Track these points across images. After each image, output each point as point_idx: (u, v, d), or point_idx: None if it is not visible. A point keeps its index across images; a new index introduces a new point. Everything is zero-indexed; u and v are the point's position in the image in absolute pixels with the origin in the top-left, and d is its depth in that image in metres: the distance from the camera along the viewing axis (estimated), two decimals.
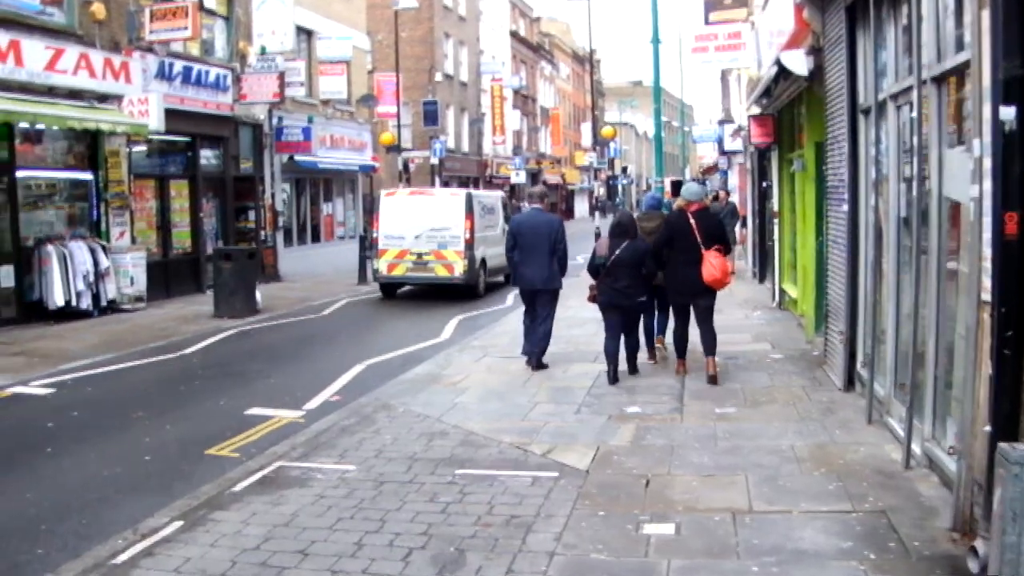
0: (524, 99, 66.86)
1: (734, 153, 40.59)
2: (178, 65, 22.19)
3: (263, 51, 25.00)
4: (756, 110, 18.41)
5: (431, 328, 17.20)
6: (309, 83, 29.11)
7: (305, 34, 29.33)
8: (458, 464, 8.02)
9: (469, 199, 22.52)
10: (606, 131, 37.17)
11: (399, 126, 36.47)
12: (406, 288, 23.49)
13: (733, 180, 40.65)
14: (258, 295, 19.79)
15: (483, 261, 22.65)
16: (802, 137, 15.52)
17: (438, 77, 48.90)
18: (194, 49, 23.36)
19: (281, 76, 24.58)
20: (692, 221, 11.34)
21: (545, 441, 8.70)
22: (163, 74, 21.59)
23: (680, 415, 9.69)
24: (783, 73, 13.10)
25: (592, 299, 11.89)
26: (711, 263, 11.14)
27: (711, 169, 53.94)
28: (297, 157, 27.55)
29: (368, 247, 25.08)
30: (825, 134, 11.75)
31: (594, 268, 11.64)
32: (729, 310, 17.56)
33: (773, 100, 16.36)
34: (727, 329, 15.07)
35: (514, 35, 65.44)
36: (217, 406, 11.02)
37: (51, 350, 15.00)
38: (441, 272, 21.93)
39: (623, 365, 11.75)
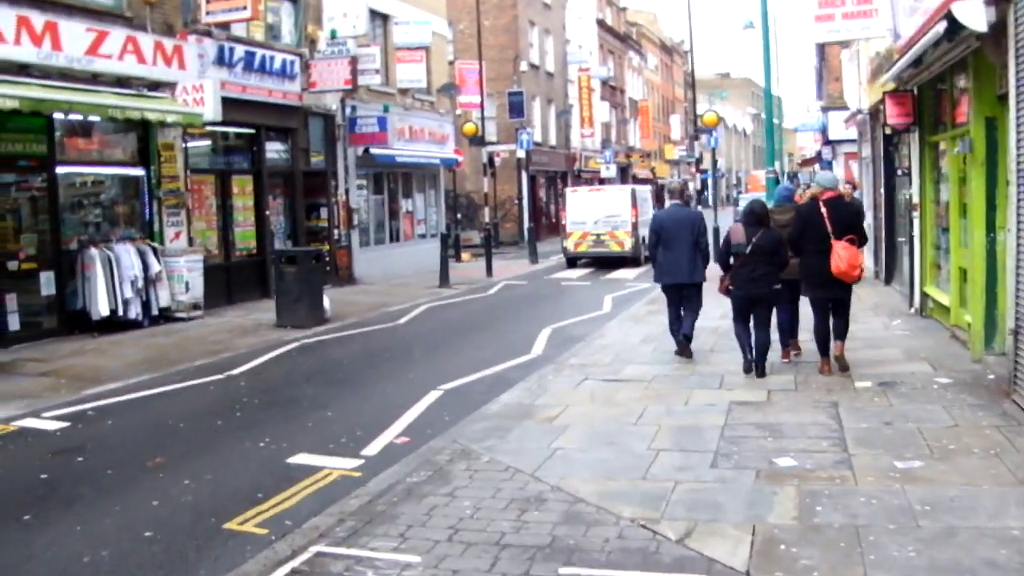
0: (612, 90, 64.33)
1: (839, 142, 38.06)
2: (239, 50, 20.23)
3: (333, 35, 22.96)
4: (890, 87, 15.92)
5: (519, 341, 14.95)
6: (385, 71, 26.98)
7: (380, 19, 27.31)
8: (563, 556, 5.75)
9: (633, 193, 30.17)
10: (708, 117, 34.45)
11: (483, 117, 34.33)
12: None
13: (838, 171, 37.95)
14: (326, 302, 17.72)
15: (643, 239, 26.76)
16: (957, 113, 13.07)
17: (523, 67, 46.60)
18: (258, 33, 21.43)
19: (353, 61, 22.53)
20: (824, 210, 10.77)
21: (679, 516, 6.37)
22: (223, 60, 19.66)
23: (850, 471, 7.29)
24: (950, 34, 10.63)
25: (724, 291, 11.39)
26: (839, 254, 10.54)
27: (810, 161, 51.09)
28: (373, 150, 25.40)
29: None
30: (1015, 104, 9.28)
31: (725, 258, 11.34)
32: (863, 317, 15.26)
33: (920, 71, 13.86)
34: (869, 343, 12.83)
35: (601, 24, 62.88)
36: (255, 450, 8.86)
37: (84, 369, 13.07)
38: (614, 247, 29.10)
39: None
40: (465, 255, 34.27)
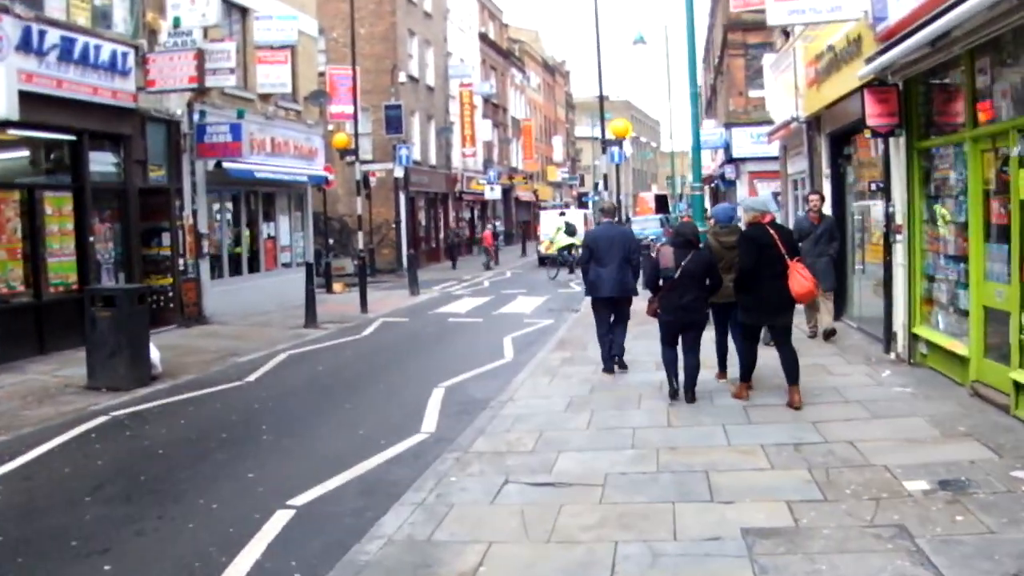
0: (494, 108, 61.01)
1: (744, 160, 35.83)
2: (53, 34, 16.11)
3: (177, 23, 18.99)
4: (864, 81, 12.88)
5: (404, 409, 11.33)
6: (244, 73, 23.02)
7: (239, 12, 23.47)
8: None
9: (585, 215, 44.36)
10: (618, 127, 31.38)
11: (356, 129, 30.60)
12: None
13: (742, 191, 35.41)
14: (154, 353, 13.83)
15: None
16: (980, 108, 10.12)
17: (402, 78, 42.88)
18: (81, 16, 17.34)
19: (200, 55, 18.59)
20: (772, 232, 10.48)
21: None
22: (30, 45, 15.54)
23: None
24: None
25: (652, 313, 11.13)
26: (800, 274, 10.35)
27: (706, 180, 48.64)
28: (226, 164, 21.32)
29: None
30: None
31: (653, 282, 11.05)
32: (836, 366, 12.51)
33: (925, 56, 10.80)
34: (873, 409, 10.16)
35: (483, 38, 59.62)
36: None
37: None
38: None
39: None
40: (337, 285, 30.49)
